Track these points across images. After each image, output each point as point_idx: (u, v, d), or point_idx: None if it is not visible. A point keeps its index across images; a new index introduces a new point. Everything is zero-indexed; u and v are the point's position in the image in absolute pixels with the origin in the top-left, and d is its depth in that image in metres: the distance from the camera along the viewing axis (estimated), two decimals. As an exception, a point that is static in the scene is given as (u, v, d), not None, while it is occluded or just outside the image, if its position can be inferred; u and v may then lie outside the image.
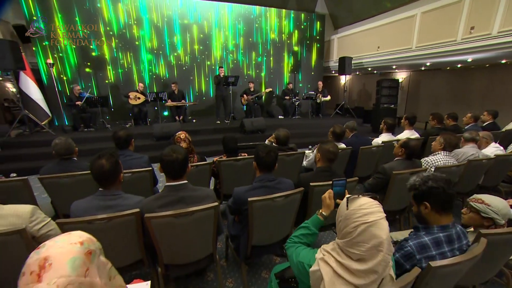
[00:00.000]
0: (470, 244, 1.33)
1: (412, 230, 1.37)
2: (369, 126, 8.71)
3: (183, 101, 7.27)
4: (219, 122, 7.50)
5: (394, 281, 0.99)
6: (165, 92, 6.90)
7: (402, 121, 4.08)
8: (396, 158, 2.46)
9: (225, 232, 2.26)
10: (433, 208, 1.26)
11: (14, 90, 13.96)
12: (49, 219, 1.58)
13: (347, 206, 0.96)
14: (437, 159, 2.62)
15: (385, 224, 0.90)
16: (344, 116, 8.99)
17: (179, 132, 2.50)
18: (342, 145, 3.16)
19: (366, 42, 9.00)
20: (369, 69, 10.04)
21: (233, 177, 2.62)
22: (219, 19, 8.56)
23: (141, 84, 7.21)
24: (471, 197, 1.63)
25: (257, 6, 9.03)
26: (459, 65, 8.10)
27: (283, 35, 9.57)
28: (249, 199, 1.67)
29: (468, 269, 1.28)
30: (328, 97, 8.61)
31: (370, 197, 0.97)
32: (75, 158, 2.40)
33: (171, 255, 1.67)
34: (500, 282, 2.10)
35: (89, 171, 2.25)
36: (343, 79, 12.45)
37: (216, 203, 1.62)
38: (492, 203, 1.51)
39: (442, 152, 2.65)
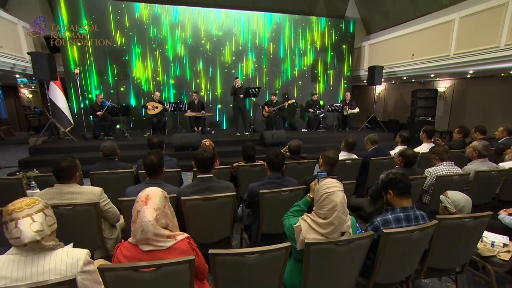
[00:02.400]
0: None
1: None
2: (402, 141, 9.17)
3: (203, 111, 8.32)
4: (238, 134, 8.43)
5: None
6: (185, 102, 7.96)
7: (420, 134, 4.70)
8: (396, 166, 3.14)
9: (240, 226, 3.04)
10: (395, 193, 1.98)
11: (30, 96, 15.89)
12: (109, 200, 2.46)
13: (318, 183, 1.73)
14: (440, 169, 3.25)
15: (340, 194, 1.64)
16: (374, 130, 9.60)
17: (204, 140, 3.39)
18: (354, 156, 3.87)
19: (399, 49, 9.65)
20: (404, 78, 10.60)
21: (249, 180, 3.40)
22: (243, 31, 9.76)
23: (157, 93, 8.35)
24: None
25: (281, 14, 10.12)
26: (512, 72, 8.36)
27: (309, 42, 10.53)
28: (260, 191, 2.46)
29: (421, 240, 1.96)
30: (356, 109, 9.30)
31: (335, 179, 1.73)
32: (116, 159, 3.33)
33: (197, 233, 2.47)
34: (487, 280, 2.67)
35: (128, 170, 3.16)
36: (377, 89, 13.04)
37: (234, 193, 2.42)
38: (451, 196, 2.20)
39: (444, 162, 3.28)
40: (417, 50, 8.92)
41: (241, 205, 3.58)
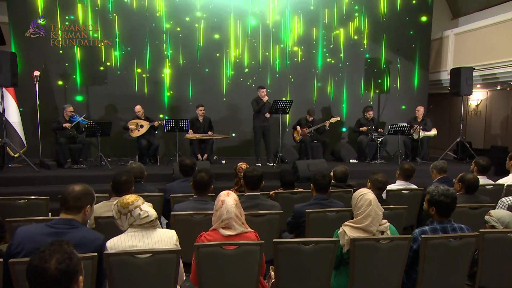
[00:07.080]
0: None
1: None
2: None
3: (210, 132, 10.15)
4: (260, 164, 10.03)
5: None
6: (187, 120, 9.87)
7: (507, 161, 6.48)
8: (457, 194, 5.01)
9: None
10: (436, 212, 3.86)
11: None
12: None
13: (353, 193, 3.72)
14: (517, 200, 5.06)
15: (371, 194, 3.60)
16: (462, 162, 11.10)
17: (241, 163, 5.40)
18: (413, 186, 5.75)
19: (502, 41, 11.08)
20: (512, 83, 11.89)
21: (289, 209, 5.21)
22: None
23: (138, 107, 10.16)
24: (489, 212, 4.19)
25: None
26: None
27: (362, 34, 12.63)
28: (306, 210, 4.37)
29: (461, 249, 3.80)
30: (433, 131, 10.97)
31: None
32: (142, 182, 5.32)
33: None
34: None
35: (155, 194, 5.20)
36: (471, 100, 14.35)
37: (281, 211, 4.35)
38: (496, 214, 4.04)
39: (526, 192, 5.11)
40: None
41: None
